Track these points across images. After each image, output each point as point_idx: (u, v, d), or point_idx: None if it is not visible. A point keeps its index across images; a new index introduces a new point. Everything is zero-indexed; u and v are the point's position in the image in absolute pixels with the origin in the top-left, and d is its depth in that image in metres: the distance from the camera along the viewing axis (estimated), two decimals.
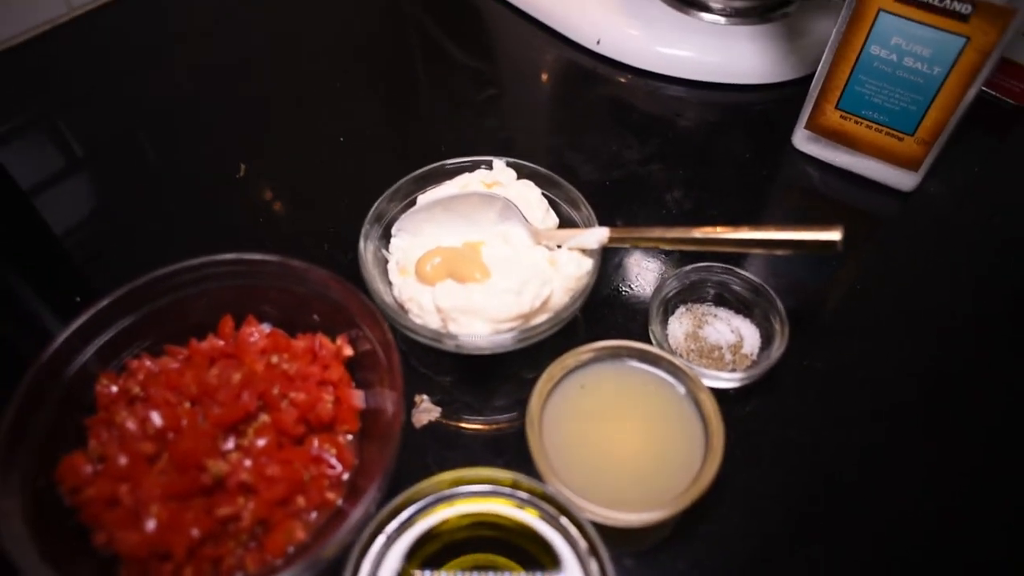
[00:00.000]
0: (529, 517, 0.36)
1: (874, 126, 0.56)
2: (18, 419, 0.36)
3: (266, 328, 0.44)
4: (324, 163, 0.61)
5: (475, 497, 0.37)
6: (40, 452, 0.37)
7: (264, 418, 0.39)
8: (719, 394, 0.43)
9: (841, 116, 0.57)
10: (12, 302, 0.53)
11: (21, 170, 0.59)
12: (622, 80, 0.68)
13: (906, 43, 0.50)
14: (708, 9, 0.68)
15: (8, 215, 0.57)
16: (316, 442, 0.40)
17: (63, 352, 0.39)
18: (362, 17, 0.76)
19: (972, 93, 0.50)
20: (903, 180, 0.58)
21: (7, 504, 0.34)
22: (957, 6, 0.47)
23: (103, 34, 0.70)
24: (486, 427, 0.45)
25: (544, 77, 0.71)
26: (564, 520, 0.36)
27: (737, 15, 0.68)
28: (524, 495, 0.37)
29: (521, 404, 0.45)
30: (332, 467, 0.39)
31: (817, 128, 0.59)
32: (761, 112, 0.66)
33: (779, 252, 0.43)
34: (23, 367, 0.37)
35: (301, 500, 0.37)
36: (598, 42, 0.69)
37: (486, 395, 0.47)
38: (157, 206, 0.57)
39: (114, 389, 0.40)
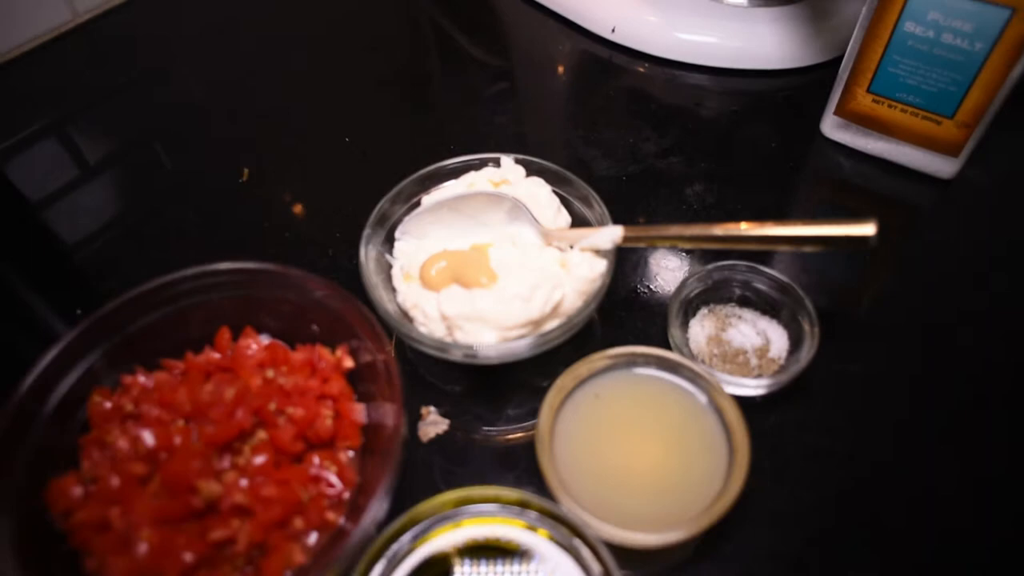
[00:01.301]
0: (539, 540, 0.34)
1: (910, 109, 0.52)
2: (5, 440, 0.35)
3: (265, 340, 0.42)
4: (330, 164, 0.59)
5: (480, 518, 0.35)
6: (31, 473, 0.36)
7: (261, 435, 0.38)
8: (744, 402, 0.40)
9: (873, 100, 0.53)
10: (21, 312, 0.52)
11: (31, 180, 0.58)
12: (639, 69, 0.65)
13: (944, 18, 0.47)
14: None
15: (15, 225, 0.56)
16: (316, 459, 0.38)
17: (53, 369, 0.37)
18: (370, 12, 0.74)
19: (1018, 71, 0.47)
20: (942, 167, 0.54)
21: None
22: None
23: (109, 41, 0.69)
24: (496, 439, 0.43)
25: (558, 69, 0.68)
26: (576, 542, 0.34)
27: None
28: (533, 515, 0.35)
29: (534, 413, 0.42)
30: (332, 486, 0.37)
31: (847, 114, 0.55)
32: (786, 99, 0.63)
33: (807, 249, 0.40)
34: None
35: (299, 522, 0.36)
36: (613, 30, 0.66)
37: (496, 405, 0.44)
38: (166, 212, 0.56)
39: (108, 406, 0.38)
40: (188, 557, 0.33)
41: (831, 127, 0.57)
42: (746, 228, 0.40)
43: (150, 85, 0.66)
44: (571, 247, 0.44)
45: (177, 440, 0.36)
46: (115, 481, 0.35)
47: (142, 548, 0.33)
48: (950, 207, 0.55)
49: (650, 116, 0.62)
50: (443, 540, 0.34)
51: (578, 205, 0.47)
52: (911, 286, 0.50)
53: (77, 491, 0.35)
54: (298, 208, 0.56)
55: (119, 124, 0.63)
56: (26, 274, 0.54)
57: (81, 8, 0.68)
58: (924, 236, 0.54)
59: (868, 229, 0.38)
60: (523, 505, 0.35)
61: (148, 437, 0.36)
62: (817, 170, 0.58)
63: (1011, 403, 0.43)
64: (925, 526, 0.39)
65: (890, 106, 0.53)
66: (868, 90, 0.53)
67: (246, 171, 0.57)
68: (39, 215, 0.57)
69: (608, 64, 0.66)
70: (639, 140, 0.59)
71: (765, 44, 0.63)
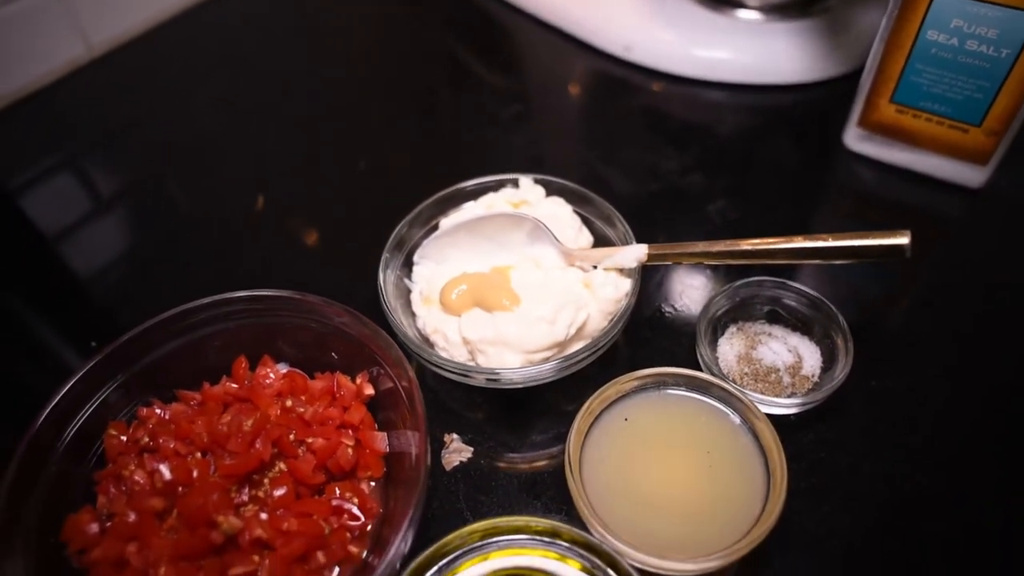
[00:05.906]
0: (570, 570, 0.33)
1: (935, 118, 0.51)
2: (21, 476, 0.34)
3: (283, 368, 0.41)
4: (346, 189, 0.59)
5: (510, 549, 0.33)
6: (46, 510, 0.35)
7: (281, 466, 0.37)
8: (778, 421, 0.38)
9: (897, 110, 0.52)
10: (36, 346, 0.51)
11: (47, 214, 0.58)
12: (655, 88, 0.65)
13: (968, 25, 0.46)
14: (743, 6, 0.64)
15: (30, 258, 0.56)
16: (337, 491, 0.37)
17: (68, 403, 0.37)
18: (383, 36, 0.74)
19: None
20: (970, 176, 0.53)
21: (10, 567, 0.32)
22: None
23: (124, 74, 0.70)
24: (522, 466, 0.41)
25: (573, 89, 0.68)
26: (610, 572, 0.32)
27: (775, 11, 0.64)
28: (564, 545, 0.33)
29: (560, 438, 0.41)
30: (355, 518, 0.36)
31: (871, 125, 0.54)
32: (807, 112, 0.62)
33: (839, 262, 0.39)
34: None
35: (321, 556, 0.34)
36: (628, 49, 0.65)
37: (522, 430, 0.43)
38: (181, 244, 0.55)
39: (124, 439, 0.38)
40: None
41: (854, 139, 0.56)
42: (774, 242, 0.39)
43: (164, 117, 0.66)
44: (594, 267, 0.43)
45: (195, 473, 0.35)
46: (132, 516, 0.34)
47: None
48: (980, 216, 0.53)
49: (668, 134, 0.61)
50: (471, 573, 0.33)
51: (600, 224, 0.46)
52: (944, 298, 0.48)
53: (93, 527, 0.34)
54: (315, 235, 0.55)
55: (134, 156, 0.63)
56: (41, 307, 0.54)
57: (96, 42, 0.69)
58: (955, 246, 0.52)
59: (902, 239, 0.37)
60: (553, 534, 0.34)
61: (165, 470, 0.35)
62: (841, 183, 0.57)
63: None
64: (969, 547, 0.37)
65: (915, 116, 0.52)
66: (891, 100, 0.52)
67: (261, 199, 0.57)
68: (54, 248, 0.57)
69: (624, 83, 0.66)
70: (658, 159, 0.59)
71: (782, 58, 0.62)
